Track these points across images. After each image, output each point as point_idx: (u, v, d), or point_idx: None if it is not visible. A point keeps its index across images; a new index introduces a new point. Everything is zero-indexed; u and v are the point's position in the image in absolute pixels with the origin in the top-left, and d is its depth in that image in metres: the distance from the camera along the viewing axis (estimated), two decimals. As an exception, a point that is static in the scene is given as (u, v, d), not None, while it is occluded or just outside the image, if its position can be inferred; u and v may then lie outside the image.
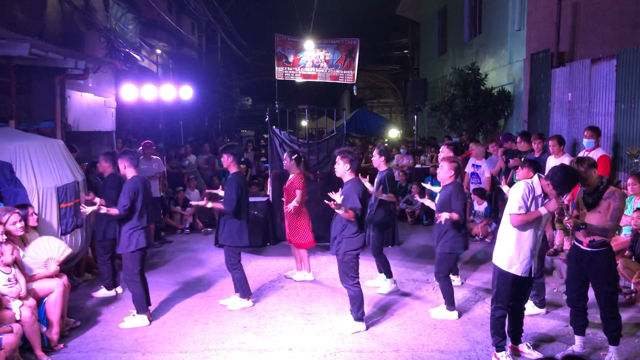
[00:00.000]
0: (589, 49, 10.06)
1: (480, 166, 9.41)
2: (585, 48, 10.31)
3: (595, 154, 7.16)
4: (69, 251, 5.46)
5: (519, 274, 4.45)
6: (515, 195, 4.39)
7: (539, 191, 4.41)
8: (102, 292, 6.44)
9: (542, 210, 4.32)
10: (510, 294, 4.52)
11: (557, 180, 4.22)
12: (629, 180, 6.38)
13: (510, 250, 4.45)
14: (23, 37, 7.81)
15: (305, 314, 5.77)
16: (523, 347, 4.78)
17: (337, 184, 5.65)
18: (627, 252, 6.01)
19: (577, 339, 4.72)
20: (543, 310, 5.67)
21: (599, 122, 8.33)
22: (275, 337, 5.23)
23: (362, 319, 5.35)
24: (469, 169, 9.57)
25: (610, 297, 4.51)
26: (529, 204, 4.35)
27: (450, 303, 5.65)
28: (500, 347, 4.58)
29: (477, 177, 9.43)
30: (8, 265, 4.76)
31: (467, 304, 6.08)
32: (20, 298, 4.72)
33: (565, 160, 7.49)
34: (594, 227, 4.38)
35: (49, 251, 5.25)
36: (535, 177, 4.51)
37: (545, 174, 4.50)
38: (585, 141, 7.24)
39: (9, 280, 4.72)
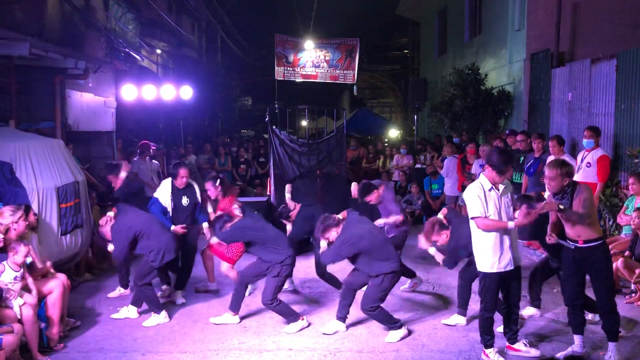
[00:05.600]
0: (589, 49, 10.05)
1: None
2: (585, 48, 10.30)
3: (595, 154, 7.16)
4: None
5: (502, 270, 4.54)
6: (469, 199, 4.54)
7: (488, 186, 4.52)
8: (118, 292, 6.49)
9: (510, 225, 4.44)
10: (497, 295, 4.65)
11: (495, 162, 4.45)
12: (630, 180, 6.38)
13: (486, 251, 4.55)
14: (23, 37, 7.81)
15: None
16: (520, 346, 4.79)
17: (335, 184, 5.64)
18: (627, 252, 6.01)
19: (577, 338, 4.74)
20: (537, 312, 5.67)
21: (599, 122, 8.33)
22: (275, 337, 5.23)
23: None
24: (476, 169, 9.54)
25: (609, 290, 4.60)
26: (485, 201, 4.47)
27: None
28: (489, 345, 4.66)
29: None
30: (19, 265, 4.78)
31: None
32: (23, 293, 4.75)
33: (565, 160, 7.50)
34: (571, 212, 4.44)
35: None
36: (481, 174, 4.64)
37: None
38: (585, 141, 7.24)
39: (15, 278, 4.74)
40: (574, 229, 4.53)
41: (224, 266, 6.27)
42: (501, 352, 4.72)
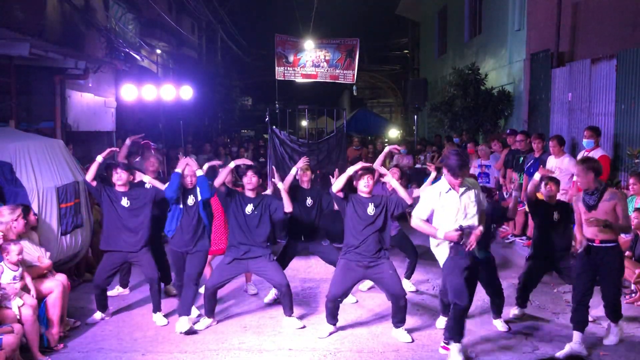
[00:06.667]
0: (589, 49, 10.05)
1: (489, 166, 9.44)
2: (585, 48, 10.29)
3: (595, 154, 7.14)
4: (48, 254, 5.45)
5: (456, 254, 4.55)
6: (422, 196, 4.75)
7: (445, 188, 4.58)
8: (117, 291, 6.50)
9: (439, 234, 4.53)
10: (464, 285, 4.56)
11: (449, 164, 4.50)
12: (631, 180, 6.38)
13: (437, 246, 4.67)
14: (23, 37, 7.83)
15: (304, 314, 5.77)
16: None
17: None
18: (627, 253, 6.01)
19: (576, 335, 4.76)
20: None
21: (599, 122, 8.33)
22: (275, 337, 5.23)
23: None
24: (474, 169, 9.55)
25: (617, 291, 4.83)
26: (437, 203, 4.59)
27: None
28: (453, 339, 4.63)
29: (486, 177, 9.45)
30: (15, 264, 4.77)
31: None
32: (23, 294, 4.74)
33: (566, 160, 7.51)
34: (615, 226, 4.63)
35: (34, 252, 5.27)
36: (443, 177, 4.65)
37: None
38: (585, 141, 7.24)
39: (14, 278, 4.74)
40: (592, 229, 4.64)
41: None
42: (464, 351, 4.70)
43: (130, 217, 5.62)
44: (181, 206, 5.58)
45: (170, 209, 5.67)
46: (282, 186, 5.60)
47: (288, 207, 5.49)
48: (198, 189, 5.59)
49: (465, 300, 4.55)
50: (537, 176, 5.49)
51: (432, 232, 4.60)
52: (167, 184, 5.61)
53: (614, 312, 4.77)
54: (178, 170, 5.46)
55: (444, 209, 4.59)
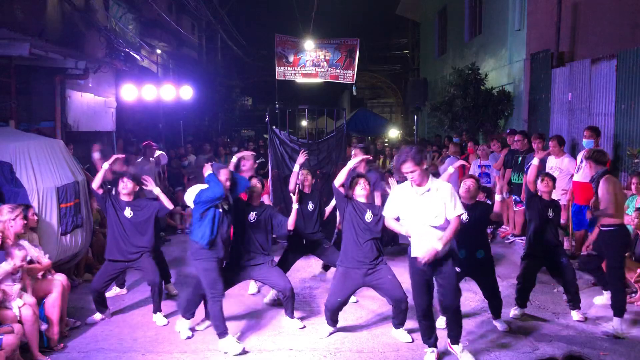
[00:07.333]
0: (589, 49, 10.05)
1: (489, 165, 9.45)
2: (585, 48, 10.29)
3: (595, 154, 7.16)
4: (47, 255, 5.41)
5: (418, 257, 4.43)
6: (390, 196, 4.79)
7: (408, 185, 4.60)
8: (114, 292, 6.50)
9: (407, 234, 4.53)
10: (424, 299, 4.53)
11: (416, 161, 4.41)
12: (633, 180, 6.37)
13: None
14: (23, 37, 7.81)
15: (304, 314, 5.77)
16: (457, 348, 4.75)
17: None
18: (627, 252, 6.00)
19: (606, 293, 5.59)
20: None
21: (599, 122, 8.33)
22: (275, 337, 5.23)
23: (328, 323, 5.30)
24: (474, 170, 9.57)
25: (616, 272, 5.21)
26: (401, 200, 4.56)
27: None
28: (429, 343, 4.70)
29: (487, 177, 9.46)
30: (16, 267, 4.75)
31: (466, 304, 6.07)
32: (22, 294, 4.74)
33: (566, 160, 7.51)
34: (600, 212, 5.24)
35: (33, 252, 5.25)
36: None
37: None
38: (585, 141, 7.24)
39: (12, 280, 4.73)
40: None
41: None
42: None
43: (133, 228, 5.63)
44: (220, 210, 5.15)
45: (201, 216, 5.09)
46: (296, 206, 5.56)
47: (292, 225, 5.47)
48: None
49: (422, 303, 4.54)
50: (535, 161, 5.59)
51: (399, 232, 4.68)
52: (185, 195, 5.43)
53: (616, 293, 5.10)
54: (209, 171, 5.14)
55: (406, 209, 4.54)
